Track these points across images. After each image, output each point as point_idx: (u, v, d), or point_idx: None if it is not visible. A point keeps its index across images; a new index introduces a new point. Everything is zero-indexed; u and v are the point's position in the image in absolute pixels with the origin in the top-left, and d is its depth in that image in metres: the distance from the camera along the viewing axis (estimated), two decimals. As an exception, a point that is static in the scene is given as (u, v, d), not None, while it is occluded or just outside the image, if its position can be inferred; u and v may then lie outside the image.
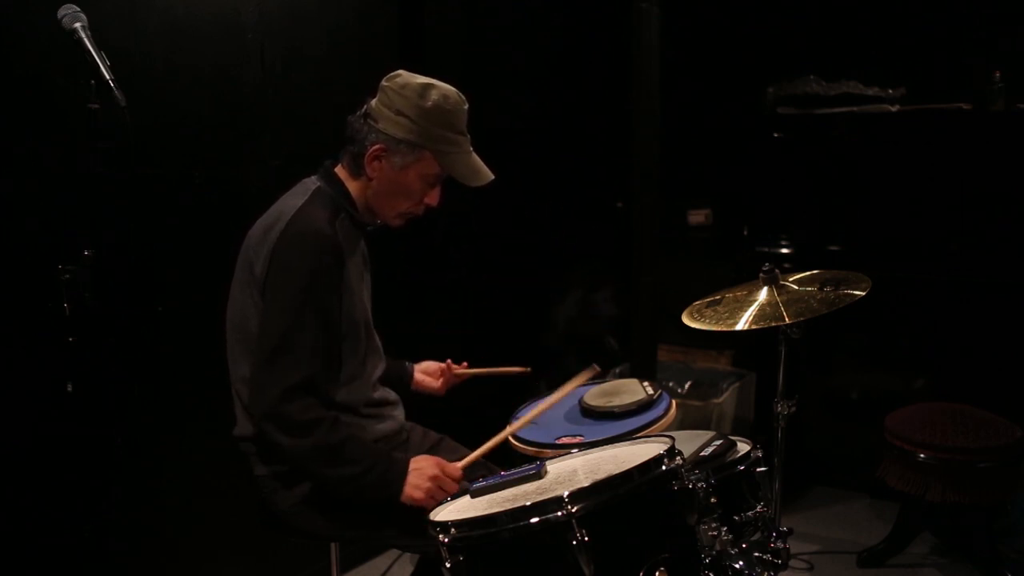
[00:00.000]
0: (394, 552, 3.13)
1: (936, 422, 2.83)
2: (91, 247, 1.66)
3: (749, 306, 2.16)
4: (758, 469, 1.83)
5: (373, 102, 1.85)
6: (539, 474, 1.63)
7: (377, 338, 1.99)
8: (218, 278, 1.91)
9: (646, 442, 1.71)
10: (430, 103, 1.80)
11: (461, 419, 2.34)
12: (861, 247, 3.59)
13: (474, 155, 1.89)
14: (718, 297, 2.29)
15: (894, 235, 3.55)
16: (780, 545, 1.81)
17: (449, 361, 2.30)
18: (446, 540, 1.42)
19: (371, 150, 1.82)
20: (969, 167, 3.38)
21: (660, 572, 1.38)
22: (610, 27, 3.78)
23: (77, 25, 1.61)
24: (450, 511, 1.58)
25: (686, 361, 4.05)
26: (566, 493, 1.36)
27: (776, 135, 3.81)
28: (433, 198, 1.91)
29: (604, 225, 4.15)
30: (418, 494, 1.74)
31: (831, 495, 3.63)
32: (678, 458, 1.49)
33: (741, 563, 1.57)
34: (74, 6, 1.64)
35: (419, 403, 2.18)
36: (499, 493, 1.60)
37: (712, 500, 1.52)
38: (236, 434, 1.89)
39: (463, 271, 3.53)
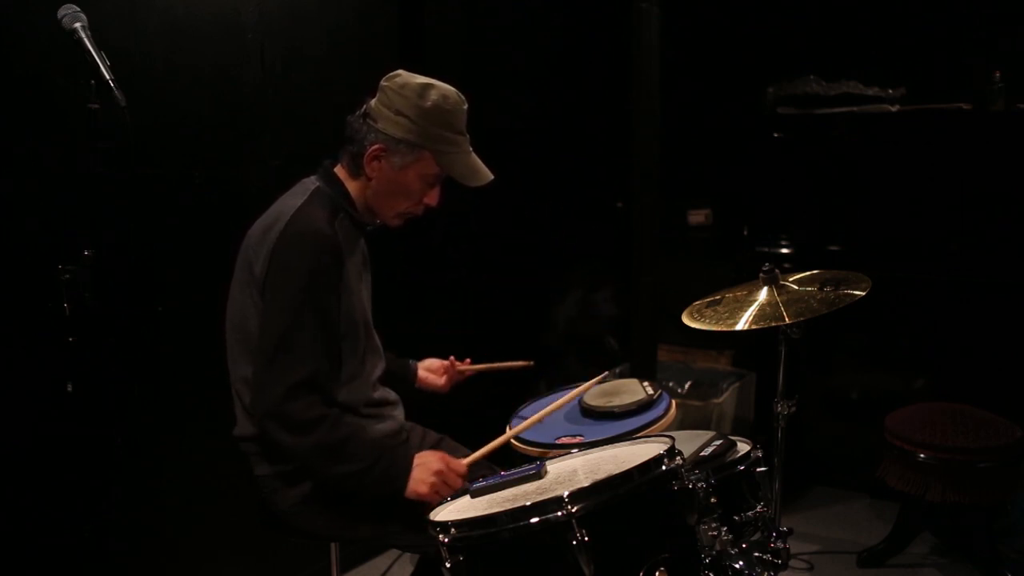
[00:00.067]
0: (394, 552, 3.13)
1: (936, 422, 2.83)
2: (91, 247, 1.66)
3: (749, 306, 2.16)
4: (758, 469, 1.83)
5: (372, 102, 1.85)
6: (539, 474, 1.63)
7: (377, 338, 1.99)
8: (218, 278, 1.91)
9: (646, 442, 1.71)
10: (429, 103, 1.80)
11: (461, 419, 2.34)
12: (861, 247, 3.59)
13: (473, 155, 1.89)
14: (718, 297, 2.29)
15: (894, 235, 3.55)
16: (780, 545, 1.81)
17: (452, 358, 2.30)
18: (446, 540, 1.42)
19: (370, 150, 1.82)
20: (969, 167, 3.38)
21: (660, 572, 1.38)
22: (610, 27, 3.79)
23: (77, 25, 1.61)
24: (450, 511, 1.58)
25: (686, 361, 4.05)
26: (566, 493, 1.36)
27: (776, 135, 3.81)
28: (432, 198, 1.91)
29: (604, 225, 4.15)
30: (423, 488, 1.74)
31: (831, 495, 3.63)
32: (678, 458, 1.49)
33: (741, 563, 1.57)
34: (74, 6, 1.64)
35: (419, 403, 2.18)
36: (499, 493, 1.60)
37: (712, 500, 1.52)
38: (236, 434, 1.89)
39: (463, 271, 3.53)
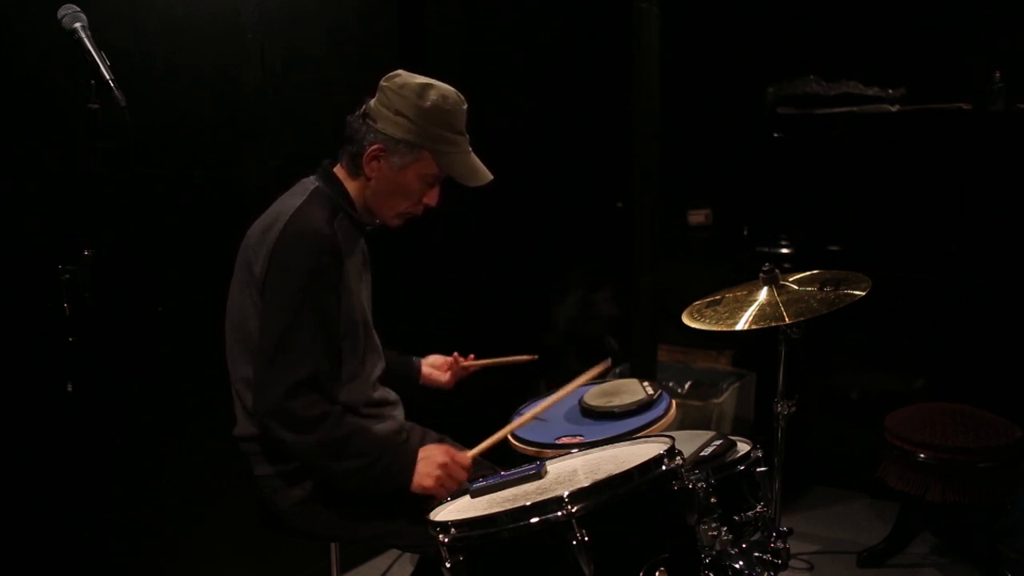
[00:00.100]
0: (394, 552, 3.13)
1: (936, 422, 2.83)
2: (91, 247, 1.66)
3: (749, 306, 2.16)
4: (758, 469, 1.83)
5: (372, 102, 1.85)
6: (539, 474, 1.63)
7: (376, 338, 1.99)
8: (218, 278, 1.91)
9: (646, 442, 1.71)
10: (429, 103, 1.79)
11: (461, 419, 2.34)
12: (861, 247, 3.59)
13: (473, 155, 1.89)
14: (718, 297, 2.29)
15: (894, 235, 3.55)
16: (780, 545, 1.81)
17: (456, 354, 2.30)
18: (446, 540, 1.42)
19: (370, 150, 1.82)
20: (969, 167, 3.38)
21: (660, 572, 1.38)
22: (610, 27, 3.78)
23: (77, 25, 1.61)
24: (450, 511, 1.58)
25: (686, 361, 4.05)
26: (566, 493, 1.36)
27: (776, 135, 3.81)
28: (432, 198, 1.91)
29: (604, 225, 4.15)
30: (428, 482, 1.75)
31: (831, 495, 3.63)
32: (678, 458, 1.49)
33: (741, 563, 1.57)
34: (74, 6, 1.64)
35: (419, 403, 2.18)
36: (499, 493, 1.60)
37: (712, 500, 1.52)
38: (236, 434, 1.89)
39: (463, 271, 3.53)
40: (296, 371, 1.69)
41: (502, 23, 3.64)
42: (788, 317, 2.07)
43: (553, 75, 3.89)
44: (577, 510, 1.35)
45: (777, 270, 2.24)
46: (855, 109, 3.64)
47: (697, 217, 4.10)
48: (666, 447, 1.50)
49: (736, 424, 3.72)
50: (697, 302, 2.31)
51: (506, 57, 3.66)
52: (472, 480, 1.73)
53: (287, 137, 2.77)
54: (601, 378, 2.25)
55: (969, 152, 3.38)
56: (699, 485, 1.48)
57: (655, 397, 2.03)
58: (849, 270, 2.27)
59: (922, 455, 2.77)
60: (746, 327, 2.09)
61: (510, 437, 2.00)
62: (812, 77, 3.78)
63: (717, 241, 4.06)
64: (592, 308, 4.20)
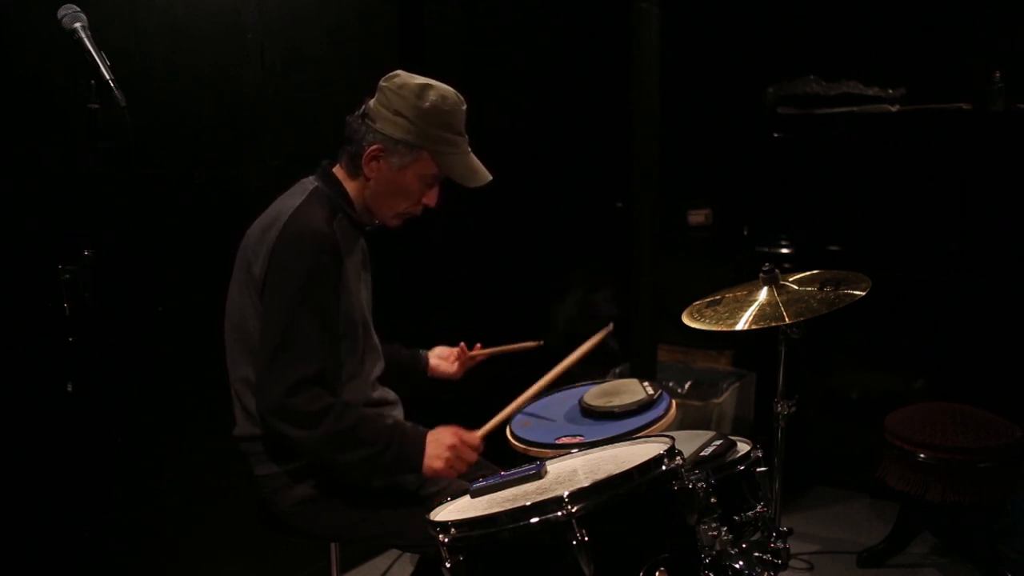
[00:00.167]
0: (394, 552, 3.13)
1: (936, 422, 2.83)
2: (91, 247, 1.66)
3: (749, 306, 2.16)
4: (758, 469, 1.83)
5: (371, 102, 1.85)
6: (539, 474, 1.63)
7: (376, 338, 1.99)
8: (218, 278, 1.91)
9: (646, 442, 1.71)
10: (428, 103, 1.80)
11: (460, 420, 2.34)
12: (861, 247, 3.59)
13: (472, 156, 1.89)
14: (718, 297, 2.29)
15: (894, 235, 3.55)
16: (780, 545, 1.81)
17: (463, 344, 2.31)
18: (446, 540, 1.42)
19: (369, 150, 1.82)
20: (969, 167, 3.38)
21: (660, 572, 1.38)
22: (610, 27, 3.78)
23: (77, 25, 1.61)
24: (450, 511, 1.58)
25: (686, 361, 4.05)
26: (566, 493, 1.36)
27: (776, 135, 3.81)
28: (431, 198, 1.91)
29: (604, 225, 4.15)
30: (438, 464, 1.75)
31: (831, 495, 3.63)
32: (678, 458, 1.49)
33: (741, 563, 1.57)
34: (74, 6, 1.64)
35: (418, 403, 2.18)
36: (499, 493, 1.60)
37: (712, 500, 1.52)
38: (236, 434, 1.89)
39: (463, 271, 3.53)
40: (297, 369, 1.69)
41: (502, 23, 3.64)
42: (788, 317, 2.07)
43: (553, 75, 3.89)
44: (577, 510, 1.35)
45: (777, 270, 2.24)
46: (855, 109, 3.64)
47: (697, 217, 4.10)
48: (666, 447, 1.50)
49: (736, 424, 3.72)
50: (697, 302, 2.31)
51: (506, 57, 3.66)
52: (472, 480, 1.73)
53: (287, 137, 2.77)
54: (601, 378, 2.25)
55: (969, 152, 3.38)
56: (699, 485, 1.48)
57: (655, 397, 2.03)
58: (849, 270, 2.27)
59: (922, 455, 2.77)
60: (746, 327, 2.09)
61: (510, 437, 2.00)
62: (812, 77, 3.78)
63: (717, 241, 4.06)
64: (592, 308, 4.20)
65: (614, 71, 3.68)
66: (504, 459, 1.94)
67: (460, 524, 1.42)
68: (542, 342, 2.37)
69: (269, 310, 1.75)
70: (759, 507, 1.80)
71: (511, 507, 1.40)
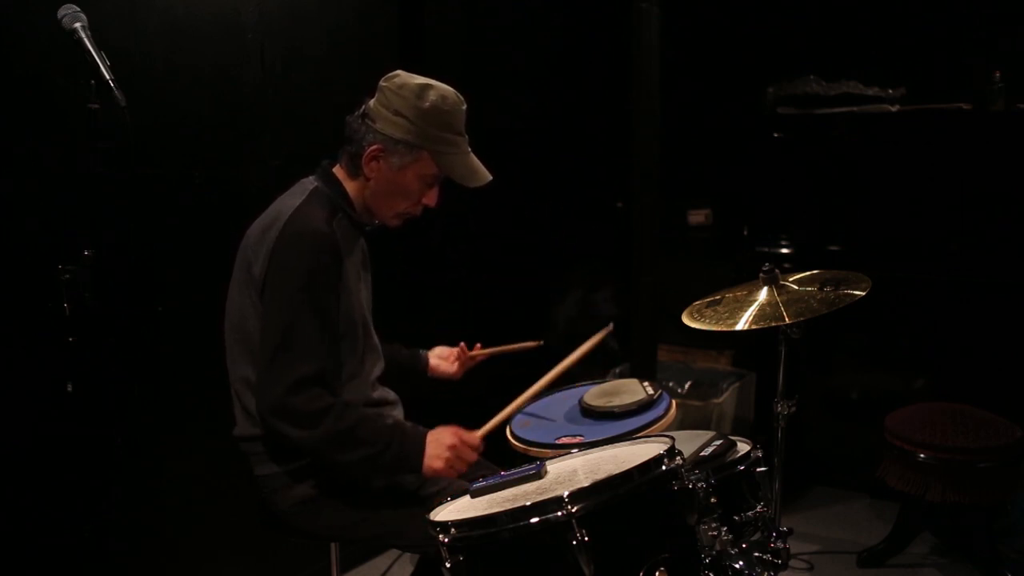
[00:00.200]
0: (394, 552, 3.13)
1: (936, 422, 2.83)
2: (91, 247, 1.66)
3: (749, 306, 2.16)
4: (758, 469, 1.83)
5: (371, 102, 1.85)
6: (539, 474, 1.63)
7: (376, 338, 1.99)
8: (218, 278, 1.91)
9: (646, 442, 1.71)
10: (428, 104, 1.80)
11: (460, 420, 2.34)
12: (861, 247, 3.59)
13: (472, 156, 1.89)
14: (718, 297, 2.29)
15: (894, 235, 3.55)
16: (780, 545, 1.81)
17: (463, 344, 2.31)
18: (446, 540, 1.42)
19: (369, 150, 1.82)
20: (969, 167, 3.38)
21: (660, 572, 1.38)
22: (610, 27, 3.78)
23: (77, 25, 1.61)
24: (450, 511, 1.58)
25: (686, 361, 4.05)
26: (566, 493, 1.36)
27: (776, 135, 3.81)
28: (431, 199, 1.91)
29: (604, 225, 4.15)
30: (438, 464, 1.75)
31: (831, 495, 3.63)
32: (678, 458, 1.49)
33: (741, 563, 1.57)
34: (74, 6, 1.64)
35: (418, 403, 2.18)
36: (499, 493, 1.60)
37: (712, 500, 1.52)
38: (236, 434, 1.89)
39: (463, 271, 3.53)
40: (296, 369, 1.69)
41: (502, 23, 3.64)
42: (788, 317, 2.07)
43: (553, 75, 3.89)
44: (577, 510, 1.35)
45: (777, 270, 2.24)
46: (855, 109, 3.64)
47: (697, 217, 4.10)
48: (666, 447, 1.50)
49: (736, 424, 3.72)
50: (697, 302, 2.31)
51: (506, 57, 3.66)
52: (472, 480, 1.73)
53: (287, 137, 2.77)
54: (601, 378, 2.25)
55: (969, 152, 3.38)
56: (699, 485, 1.48)
57: (655, 397, 2.03)
58: (849, 270, 2.27)
59: (922, 455, 2.77)
60: (746, 327, 2.09)
61: (510, 437, 2.00)
62: (812, 77, 3.78)
63: (717, 241, 4.06)
64: (592, 308, 4.20)
65: (614, 71, 3.68)
66: (504, 459, 1.94)
67: (460, 524, 1.42)
68: (542, 342, 2.37)
69: (269, 310, 1.75)
70: (759, 507, 1.80)
71: (511, 507, 1.40)
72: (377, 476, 1.82)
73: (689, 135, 3.99)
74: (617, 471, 1.43)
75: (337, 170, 1.90)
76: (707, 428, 2.30)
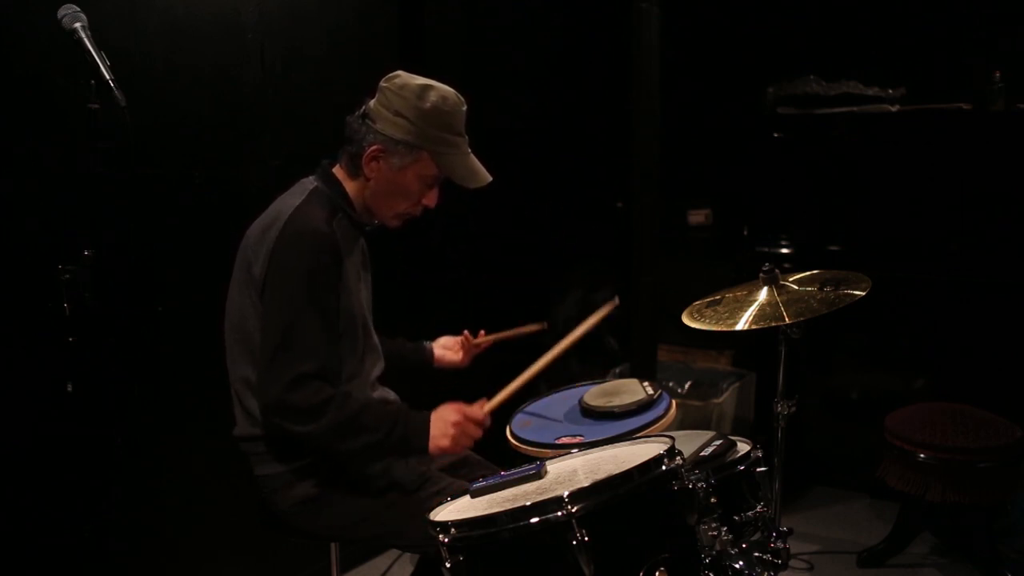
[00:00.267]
0: (394, 552, 3.13)
1: (936, 422, 2.83)
2: (91, 247, 1.66)
3: (749, 306, 2.16)
4: (758, 469, 1.83)
5: (372, 103, 1.85)
6: (539, 474, 1.63)
7: (376, 338, 1.99)
8: (218, 278, 1.91)
9: (646, 442, 1.71)
10: (428, 104, 1.80)
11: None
12: (861, 247, 3.59)
13: (472, 156, 1.89)
14: (718, 297, 2.29)
15: (894, 235, 3.55)
16: (780, 545, 1.81)
17: (466, 332, 2.31)
18: (446, 540, 1.42)
19: (369, 151, 1.82)
20: (969, 167, 3.38)
21: (660, 572, 1.38)
22: (610, 27, 3.78)
23: (77, 25, 1.62)
24: (450, 511, 1.58)
25: (686, 361, 4.05)
26: (566, 493, 1.36)
27: (776, 135, 3.81)
28: (431, 199, 1.91)
29: (604, 225, 4.15)
30: (445, 442, 1.76)
31: (831, 495, 3.63)
32: (678, 458, 1.49)
33: (741, 563, 1.57)
34: (74, 6, 1.64)
35: (418, 403, 2.18)
36: (499, 493, 1.60)
37: (712, 500, 1.52)
38: (236, 434, 1.89)
39: (463, 271, 3.53)
40: (296, 367, 1.69)
41: (502, 23, 3.64)
42: (788, 317, 2.07)
43: (553, 75, 3.89)
44: (577, 510, 1.35)
45: (777, 270, 2.24)
46: (855, 109, 3.64)
47: (697, 217, 4.10)
48: (666, 447, 1.50)
49: (736, 424, 3.72)
50: (697, 302, 2.31)
51: (506, 57, 3.66)
52: (472, 480, 1.73)
53: (287, 137, 2.77)
54: (601, 378, 2.25)
55: (969, 152, 3.38)
56: (699, 485, 1.48)
57: (655, 397, 2.03)
58: (849, 270, 2.27)
59: (922, 455, 2.77)
60: (746, 327, 2.09)
61: (510, 437, 2.00)
62: (812, 77, 3.78)
63: (717, 241, 4.06)
64: (592, 308, 4.20)
65: (614, 71, 3.68)
66: (504, 459, 1.94)
67: (460, 524, 1.42)
68: (546, 324, 2.36)
69: (269, 310, 1.76)
70: (759, 507, 1.80)
71: (511, 507, 1.40)
72: (385, 459, 1.83)
73: (689, 135, 3.99)
74: (617, 471, 1.43)
75: (337, 170, 1.90)
76: (707, 428, 2.30)
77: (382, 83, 1.84)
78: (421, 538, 1.66)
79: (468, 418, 1.80)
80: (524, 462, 1.70)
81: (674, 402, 2.03)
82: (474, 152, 1.90)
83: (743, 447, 1.89)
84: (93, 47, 1.60)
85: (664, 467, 1.45)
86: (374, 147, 1.81)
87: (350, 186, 1.88)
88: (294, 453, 1.82)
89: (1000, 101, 3.35)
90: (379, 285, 2.04)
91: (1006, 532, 3.00)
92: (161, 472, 2.49)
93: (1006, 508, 2.99)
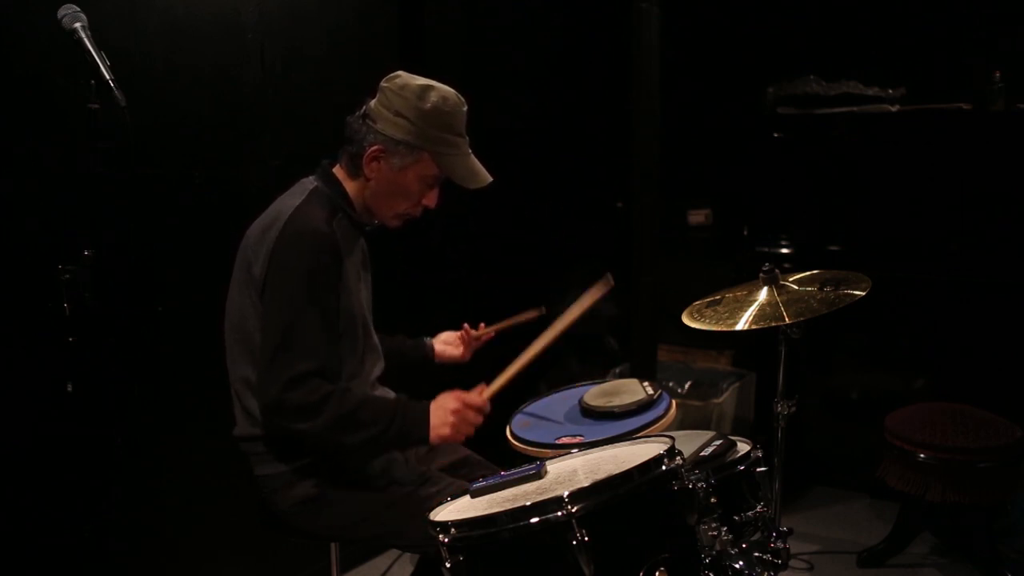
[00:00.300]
0: (394, 552, 3.13)
1: (936, 422, 2.83)
2: (91, 247, 1.66)
3: (749, 306, 2.16)
4: (758, 469, 1.83)
5: (372, 103, 1.85)
6: (539, 474, 1.63)
7: (376, 338, 1.99)
8: (218, 278, 1.91)
9: (646, 442, 1.71)
10: (429, 105, 1.80)
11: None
12: (861, 247, 3.59)
13: (472, 157, 1.89)
14: (718, 297, 2.29)
15: (894, 235, 3.54)
16: (780, 545, 1.81)
17: (466, 325, 2.31)
18: (446, 540, 1.42)
19: (369, 151, 1.82)
20: (969, 167, 3.38)
21: (660, 572, 1.38)
22: (610, 27, 3.78)
23: (77, 25, 1.62)
24: (450, 511, 1.58)
25: (686, 361, 4.05)
26: (566, 493, 1.36)
27: (776, 135, 3.81)
28: (431, 199, 1.91)
29: (604, 225, 4.14)
30: (446, 431, 1.77)
31: (831, 495, 3.63)
32: (678, 458, 1.49)
33: (741, 563, 1.57)
34: (74, 6, 1.64)
35: (424, 392, 2.18)
36: (499, 493, 1.60)
37: (712, 500, 1.52)
38: (236, 434, 1.89)
39: (463, 271, 3.53)
40: (295, 367, 1.69)
41: (502, 23, 3.64)
42: (788, 317, 2.07)
43: (553, 75, 3.89)
44: (577, 510, 1.35)
45: (777, 270, 2.24)
46: (855, 109, 3.63)
47: (697, 217, 4.10)
48: (666, 447, 1.50)
49: (736, 424, 3.72)
50: (697, 302, 2.31)
51: (506, 57, 3.66)
52: (472, 480, 1.73)
53: (287, 137, 2.77)
54: (601, 378, 2.25)
55: (969, 152, 3.38)
56: (699, 485, 1.48)
57: (655, 397, 2.03)
58: (849, 270, 2.27)
59: (922, 455, 2.77)
60: (746, 327, 2.09)
61: (510, 437, 2.00)
62: (812, 77, 3.78)
63: (717, 241, 4.06)
64: (592, 308, 4.19)
65: (614, 71, 3.68)
66: (504, 459, 1.94)
67: (460, 524, 1.42)
68: (544, 309, 2.36)
69: (269, 310, 1.76)
70: (759, 507, 1.80)
71: (511, 507, 1.40)
72: (386, 453, 1.84)
73: (689, 135, 3.99)
74: (617, 471, 1.43)
75: (337, 170, 1.90)
76: (707, 428, 2.30)
77: (383, 83, 1.84)
78: (421, 538, 1.65)
79: (467, 405, 1.80)
80: (524, 462, 1.70)
81: (674, 402, 2.03)
82: (474, 152, 1.90)
83: (743, 447, 1.89)
84: (93, 47, 1.60)
85: (664, 467, 1.45)
86: (374, 147, 1.81)
87: (350, 186, 1.88)
88: (294, 453, 1.82)
89: (1000, 101, 3.34)
90: (379, 285, 2.04)
91: (1006, 532, 3.00)
92: (161, 472, 2.49)
93: (1006, 508, 2.99)
